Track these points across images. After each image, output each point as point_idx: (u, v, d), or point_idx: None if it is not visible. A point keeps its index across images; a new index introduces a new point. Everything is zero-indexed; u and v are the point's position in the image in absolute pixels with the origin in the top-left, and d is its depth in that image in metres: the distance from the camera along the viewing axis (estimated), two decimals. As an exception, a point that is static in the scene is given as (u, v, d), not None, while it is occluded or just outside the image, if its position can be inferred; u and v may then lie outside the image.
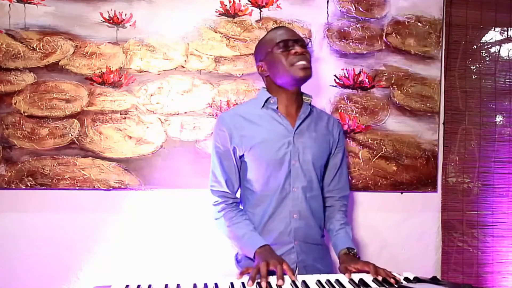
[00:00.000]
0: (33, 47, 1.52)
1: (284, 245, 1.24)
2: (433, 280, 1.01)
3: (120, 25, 1.57)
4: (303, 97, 1.32)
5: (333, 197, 1.36)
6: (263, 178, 1.25)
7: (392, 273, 1.05)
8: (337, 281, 1.02)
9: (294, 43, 1.24)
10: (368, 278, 1.05)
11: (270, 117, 1.27)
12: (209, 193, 1.31)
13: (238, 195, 1.35)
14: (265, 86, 1.34)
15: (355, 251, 1.20)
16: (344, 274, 1.07)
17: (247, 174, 1.29)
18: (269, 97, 1.28)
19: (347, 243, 1.23)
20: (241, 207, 1.34)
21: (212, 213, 1.31)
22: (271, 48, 1.25)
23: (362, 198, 1.75)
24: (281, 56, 1.22)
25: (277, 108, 1.27)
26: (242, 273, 1.05)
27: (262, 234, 1.24)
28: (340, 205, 1.36)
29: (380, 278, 1.02)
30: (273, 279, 0.99)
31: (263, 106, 1.28)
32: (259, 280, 0.98)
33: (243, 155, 1.27)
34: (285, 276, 1.00)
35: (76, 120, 1.54)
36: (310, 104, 1.32)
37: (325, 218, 1.36)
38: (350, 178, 1.71)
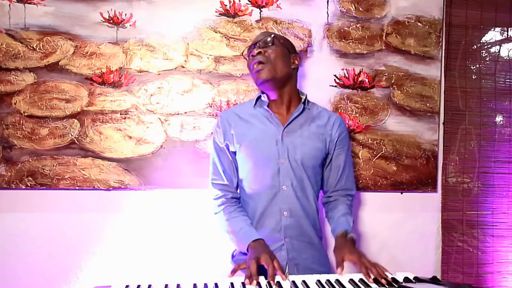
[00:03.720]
0: (33, 47, 1.52)
1: (275, 242, 1.24)
2: (433, 280, 1.01)
3: (120, 25, 1.57)
4: (300, 95, 1.35)
5: (339, 193, 1.35)
6: (252, 176, 1.28)
7: (386, 272, 1.04)
8: (337, 281, 1.02)
9: (255, 46, 1.28)
10: (368, 278, 1.05)
11: (261, 116, 1.30)
12: (210, 188, 1.33)
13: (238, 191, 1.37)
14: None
15: (352, 234, 1.19)
16: (337, 266, 1.08)
17: (239, 171, 1.32)
18: (260, 95, 1.32)
19: (345, 226, 1.22)
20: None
21: (212, 208, 1.32)
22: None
23: (362, 198, 1.74)
24: (248, 62, 1.31)
25: (268, 106, 1.30)
26: (233, 271, 1.05)
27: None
28: (345, 199, 1.35)
29: (371, 277, 1.01)
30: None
31: (255, 105, 1.32)
32: (258, 280, 0.98)
33: (235, 152, 1.30)
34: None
35: (76, 120, 1.54)
36: (304, 102, 1.32)
37: (328, 210, 1.36)
38: (350, 178, 1.71)
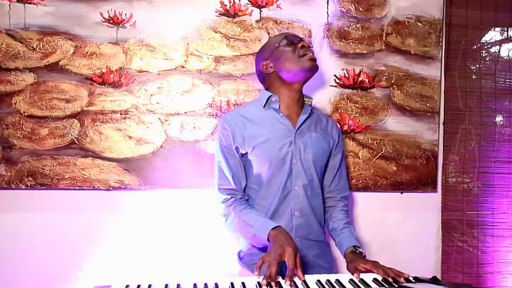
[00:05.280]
0: (33, 47, 1.52)
1: None
2: (433, 280, 1.01)
3: (120, 25, 1.57)
4: (305, 98, 1.36)
5: (334, 197, 1.39)
6: (265, 177, 1.28)
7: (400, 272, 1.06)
8: (337, 281, 1.02)
9: (299, 40, 1.32)
10: (368, 277, 1.05)
11: (271, 117, 1.31)
12: (216, 193, 1.31)
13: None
14: (265, 88, 1.39)
15: (361, 249, 1.22)
16: (353, 274, 1.07)
17: (251, 173, 1.31)
18: (271, 96, 1.31)
19: (352, 242, 1.25)
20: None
21: (220, 210, 1.30)
22: (277, 44, 1.32)
23: (362, 198, 1.74)
24: (288, 49, 1.29)
25: (278, 107, 1.31)
26: (259, 268, 1.01)
27: None
28: (342, 205, 1.38)
29: (390, 279, 1.02)
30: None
31: (264, 106, 1.32)
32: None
33: (246, 153, 1.29)
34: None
35: (76, 120, 1.54)
36: (310, 105, 1.36)
37: (327, 218, 1.38)
38: (350, 178, 1.71)
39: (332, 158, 1.38)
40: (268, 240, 1.11)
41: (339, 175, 1.39)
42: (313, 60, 1.28)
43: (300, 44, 1.29)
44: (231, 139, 1.28)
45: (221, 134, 1.31)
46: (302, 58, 1.26)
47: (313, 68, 1.28)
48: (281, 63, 1.29)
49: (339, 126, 1.68)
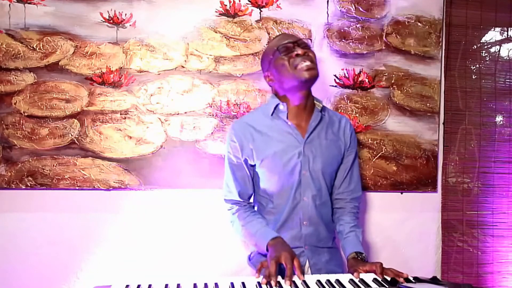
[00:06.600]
0: (33, 47, 1.52)
1: (295, 249, 1.21)
2: (433, 280, 1.01)
3: (120, 25, 1.57)
4: (315, 102, 1.30)
5: (344, 199, 1.34)
6: (275, 189, 1.27)
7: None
8: (337, 281, 1.02)
9: (294, 45, 1.22)
10: (368, 277, 1.05)
11: (279, 128, 1.26)
12: (223, 202, 1.35)
13: (251, 199, 1.38)
14: (273, 93, 1.33)
15: (363, 255, 1.20)
16: (353, 274, 1.07)
17: (260, 183, 1.31)
18: (278, 104, 1.26)
19: (356, 247, 1.22)
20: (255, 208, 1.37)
21: (228, 219, 1.35)
22: (272, 55, 1.25)
23: (362, 198, 1.74)
24: (283, 60, 1.21)
25: (287, 117, 1.26)
26: (258, 270, 1.03)
27: None
28: (351, 207, 1.34)
29: (388, 278, 1.02)
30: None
31: (272, 114, 1.27)
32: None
33: (255, 165, 1.28)
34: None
35: (76, 120, 1.54)
36: (321, 111, 1.29)
37: (335, 219, 1.35)
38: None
39: (343, 160, 1.33)
40: (267, 249, 1.14)
41: (350, 176, 1.34)
42: (311, 69, 1.18)
43: (294, 53, 1.19)
44: (239, 151, 1.27)
45: (229, 146, 1.29)
46: (297, 69, 1.18)
47: (311, 78, 1.18)
48: (279, 77, 1.23)
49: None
